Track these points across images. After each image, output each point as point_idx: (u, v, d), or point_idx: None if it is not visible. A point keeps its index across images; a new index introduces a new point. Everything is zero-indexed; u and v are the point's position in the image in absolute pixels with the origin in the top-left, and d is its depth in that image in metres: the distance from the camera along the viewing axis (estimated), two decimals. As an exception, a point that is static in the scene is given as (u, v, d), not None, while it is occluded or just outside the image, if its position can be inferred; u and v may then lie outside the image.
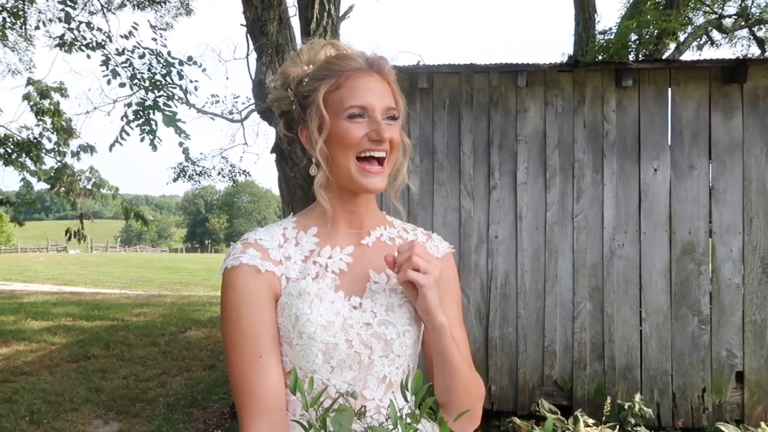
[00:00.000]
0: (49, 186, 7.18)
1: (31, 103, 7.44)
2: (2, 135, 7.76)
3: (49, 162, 7.78)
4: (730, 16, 8.82)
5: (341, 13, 5.80)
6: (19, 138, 7.78)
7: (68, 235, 7.36)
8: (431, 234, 1.27)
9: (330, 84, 1.09)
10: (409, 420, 0.87)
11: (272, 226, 1.16)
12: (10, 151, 7.77)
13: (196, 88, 5.23)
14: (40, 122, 7.65)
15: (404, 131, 1.17)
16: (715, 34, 9.37)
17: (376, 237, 1.18)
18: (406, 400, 0.93)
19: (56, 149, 7.70)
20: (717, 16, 8.69)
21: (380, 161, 1.09)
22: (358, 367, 1.08)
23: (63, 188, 7.03)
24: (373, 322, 1.09)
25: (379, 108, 1.07)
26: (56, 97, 7.58)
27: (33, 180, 7.88)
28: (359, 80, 1.08)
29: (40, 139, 7.76)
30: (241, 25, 5.25)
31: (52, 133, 7.69)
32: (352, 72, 1.09)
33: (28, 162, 7.85)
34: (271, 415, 1.02)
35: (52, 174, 7.20)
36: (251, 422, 1.01)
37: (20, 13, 7.62)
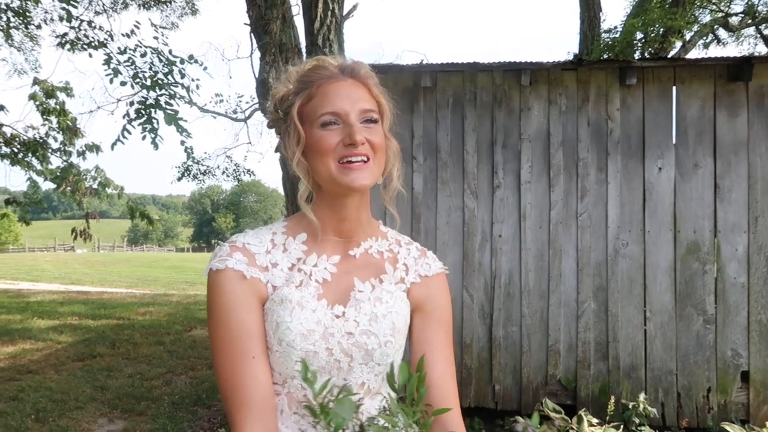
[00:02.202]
0: (55, 185, 7.20)
1: (37, 103, 7.46)
2: (9, 135, 7.78)
3: (55, 161, 7.81)
4: (736, 15, 8.76)
5: (345, 12, 5.80)
6: (25, 138, 7.80)
7: (74, 234, 7.37)
8: (426, 251, 1.24)
9: (303, 96, 1.09)
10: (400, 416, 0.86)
11: (262, 229, 1.15)
12: (16, 150, 7.79)
13: (198, 87, 5.24)
14: (46, 122, 7.67)
15: (392, 134, 1.15)
16: (722, 33, 9.32)
17: (365, 249, 1.17)
18: (395, 391, 0.93)
19: (62, 149, 7.71)
20: (723, 14, 8.63)
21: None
22: (337, 373, 1.08)
23: (69, 188, 7.04)
24: (355, 331, 1.08)
25: (353, 112, 1.06)
26: (62, 96, 7.60)
27: (39, 179, 7.91)
28: (330, 87, 1.07)
29: (46, 138, 7.78)
30: (245, 24, 5.27)
31: (58, 132, 7.71)
32: (323, 80, 1.08)
33: (35, 161, 7.87)
34: (264, 415, 1.02)
35: (58, 173, 7.22)
36: (244, 422, 1.00)
37: (23, 11, 7.65)
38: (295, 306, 1.05)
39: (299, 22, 5.06)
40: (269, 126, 1.21)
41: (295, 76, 1.12)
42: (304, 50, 4.91)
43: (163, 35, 5.12)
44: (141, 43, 5.07)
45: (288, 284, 1.08)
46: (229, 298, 1.05)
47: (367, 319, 1.09)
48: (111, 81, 4.89)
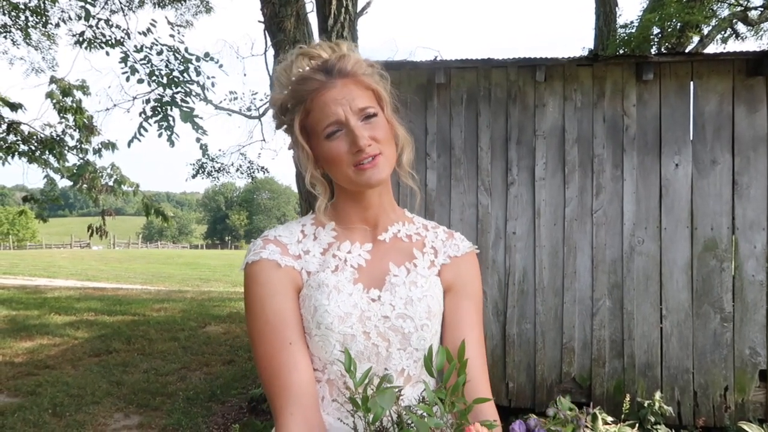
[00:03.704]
0: (71, 183, 7.27)
1: (54, 101, 7.53)
2: (26, 133, 7.85)
3: (72, 159, 7.88)
4: (756, 8, 8.61)
5: (359, 9, 5.80)
6: (42, 135, 7.88)
7: (90, 231, 7.43)
8: (453, 233, 1.26)
9: (301, 112, 1.10)
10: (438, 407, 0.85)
11: (291, 223, 1.19)
12: (33, 148, 7.87)
13: (213, 84, 5.27)
14: (63, 120, 7.74)
15: (395, 117, 1.15)
16: (741, 27, 9.17)
17: (393, 233, 1.19)
18: (432, 376, 0.92)
19: (78, 146, 7.78)
20: (742, 8, 8.50)
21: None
22: (376, 360, 1.09)
23: (85, 185, 7.10)
24: (391, 315, 1.09)
25: (351, 115, 1.06)
26: (78, 94, 7.66)
27: (56, 177, 7.99)
28: (323, 97, 1.07)
29: (62, 136, 7.86)
30: (259, 21, 5.28)
31: (75, 130, 7.77)
32: (314, 93, 1.08)
33: (52, 159, 7.95)
34: (304, 401, 1.02)
35: (74, 171, 7.28)
36: (285, 408, 1.01)
37: (41, 11, 7.72)
38: (332, 290, 1.08)
39: (313, 19, 5.06)
40: (277, 128, 1.22)
41: (285, 80, 1.12)
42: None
43: (179, 33, 5.15)
44: (157, 41, 5.10)
45: (323, 269, 1.11)
46: (264, 287, 1.08)
47: (402, 302, 1.11)
48: (127, 79, 4.93)
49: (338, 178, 1.11)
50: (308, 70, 1.09)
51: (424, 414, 0.83)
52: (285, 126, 1.17)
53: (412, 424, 0.83)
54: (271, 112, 1.26)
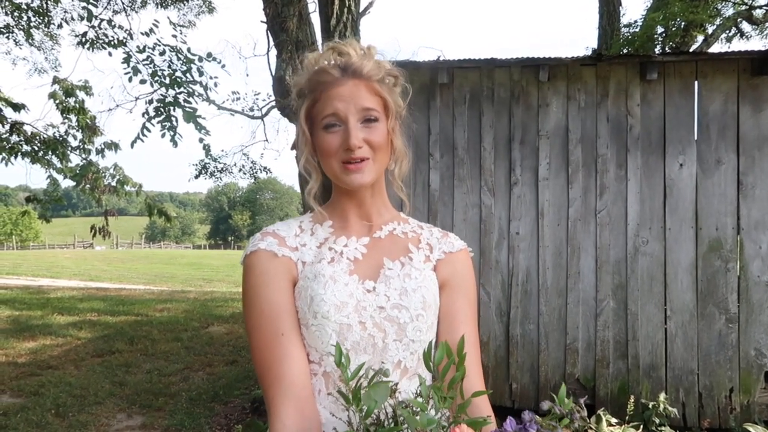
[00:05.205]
0: (74, 183, 7.27)
1: (57, 102, 7.53)
2: (29, 133, 7.87)
3: (75, 159, 7.89)
4: (761, 7, 8.59)
5: (361, 9, 5.79)
6: (45, 136, 7.89)
7: (93, 231, 7.44)
8: (448, 233, 1.28)
9: (310, 99, 1.14)
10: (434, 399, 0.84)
11: (290, 220, 1.22)
12: (36, 148, 7.88)
13: (216, 84, 5.27)
14: (66, 120, 7.75)
15: (398, 129, 1.18)
16: (745, 26, 9.15)
17: (389, 230, 1.22)
18: (430, 371, 0.91)
19: (81, 147, 7.79)
20: (747, 7, 8.47)
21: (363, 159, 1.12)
22: (373, 351, 1.09)
23: (88, 185, 7.11)
24: (386, 305, 1.11)
25: (351, 114, 1.09)
26: (81, 95, 7.67)
27: (59, 177, 8.00)
28: (332, 91, 1.10)
29: (65, 136, 7.87)
30: (262, 21, 5.28)
31: (77, 130, 7.78)
32: (326, 86, 1.11)
33: (55, 159, 7.96)
34: (297, 392, 1.02)
35: (77, 171, 7.29)
36: (278, 399, 1.01)
37: (44, 11, 7.73)
38: (329, 280, 1.09)
39: (315, 19, 5.06)
40: (294, 111, 1.24)
41: (311, 68, 1.15)
42: (320, 47, 4.91)
43: (181, 33, 5.15)
44: (160, 41, 5.10)
45: (320, 260, 1.13)
46: (259, 277, 1.09)
47: (397, 293, 1.12)
48: (130, 79, 4.94)
49: (327, 171, 1.14)
50: (328, 65, 1.13)
51: (417, 410, 0.82)
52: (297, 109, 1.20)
53: (405, 421, 0.83)
54: (276, 112, 1.27)
